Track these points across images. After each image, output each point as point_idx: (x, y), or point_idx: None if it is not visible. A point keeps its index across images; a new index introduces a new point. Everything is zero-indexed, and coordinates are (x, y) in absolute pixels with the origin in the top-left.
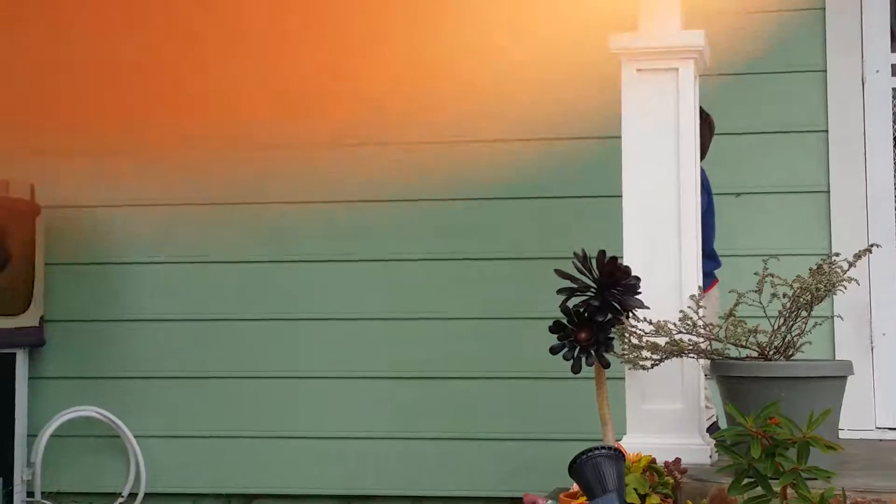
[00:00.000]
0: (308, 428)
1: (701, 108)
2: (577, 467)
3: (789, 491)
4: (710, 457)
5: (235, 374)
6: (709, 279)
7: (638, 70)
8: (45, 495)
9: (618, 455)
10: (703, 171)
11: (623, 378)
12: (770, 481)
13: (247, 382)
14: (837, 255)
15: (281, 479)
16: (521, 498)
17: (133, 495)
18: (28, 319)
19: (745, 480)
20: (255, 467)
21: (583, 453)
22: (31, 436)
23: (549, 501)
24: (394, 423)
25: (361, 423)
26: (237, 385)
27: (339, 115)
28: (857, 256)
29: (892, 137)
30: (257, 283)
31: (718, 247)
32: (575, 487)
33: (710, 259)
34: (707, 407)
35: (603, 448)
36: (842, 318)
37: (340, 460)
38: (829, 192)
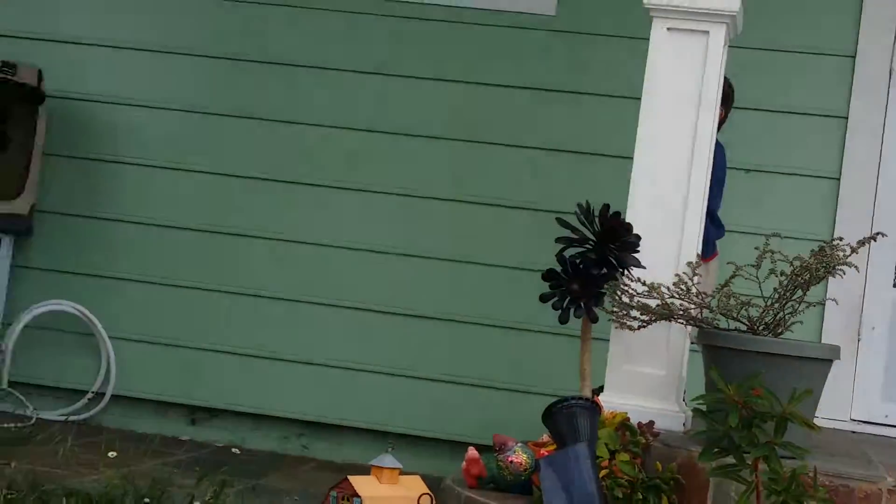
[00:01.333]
0: (280, 350)
1: (726, 77)
2: (552, 415)
3: (761, 464)
4: (684, 424)
5: (221, 287)
6: (710, 248)
7: (668, 29)
8: (11, 384)
9: (593, 408)
10: (717, 139)
11: (606, 339)
12: (744, 454)
13: (231, 297)
14: (840, 239)
15: (247, 397)
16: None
17: (100, 395)
18: (19, 206)
19: (717, 448)
20: (223, 383)
21: (559, 402)
22: (7, 324)
23: (519, 444)
24: (371, 356)
25: (334, 351)
26: (219, 299)
27: None
28: (861, 243)
29: None
30: (263, 200)
31: (723, 221)
32: (544, 438)
33: (715, 226)
34: None
35: (580, 399)
36: (836, 303)
37: (307, 386)
38: (839, 179)
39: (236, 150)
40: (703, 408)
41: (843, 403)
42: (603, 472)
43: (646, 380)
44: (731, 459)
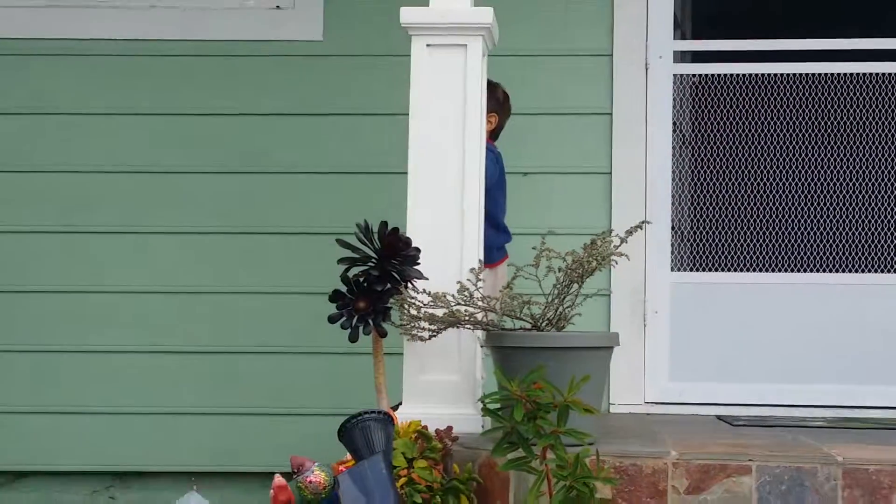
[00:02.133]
0: (77, 403)
1: (499, 86)
2: (346, 431)
3: (548, 453)
4: (483, 426)
5: (7, 347)
6: (500, 253)
7: (428, 45)
8: None
9: (387, 419)
10: (495, 146)
11: (401, 353)
12: (532, 445)
13: (11, 355)
14: (611, 231)
15: (49, 455)
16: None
17: None
18: None
19: (507, 443)
20: (22, 443)
21: (352, 417)
22: None
23: (317, 464)
24: (168, 398)
25: (136, 397)
26: (8, 358)
27: None
28: (629, 232)
29: (671, 122)
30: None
31: (508, 226)
32: (347, 457)
33: (502, 232)
34: None
35: (372, 412)
36: (611, 292)
37: (111, 436)
38: (611, 173)
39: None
40: (493, 406)
41: (637, 387)
42: (402, 481)
43: (442, 387)
44: (521, 452)
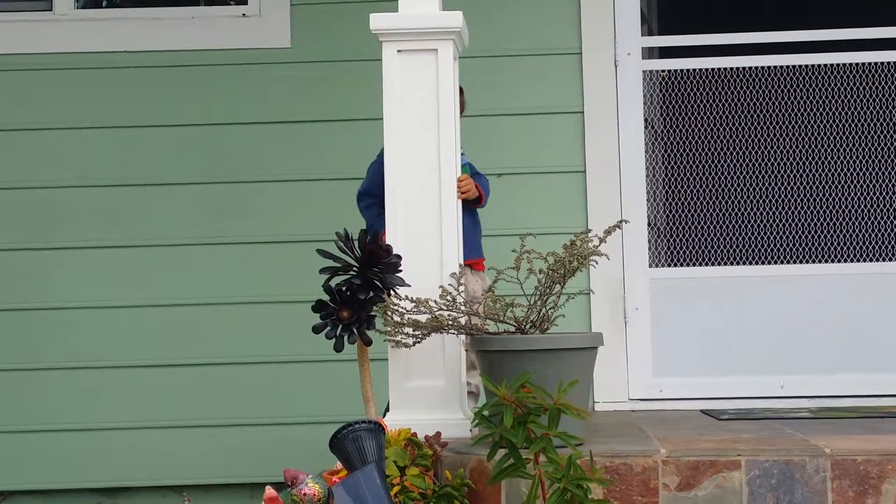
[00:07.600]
0: (64, 420)
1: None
2: (337, 442)
3: (541, 457)
4: (471, 430)
5: None
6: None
7: (399, 51)
8: None
9: (378, 429)
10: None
11: (386, 358)
12: (523, 449)
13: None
14: (590, 230)
15: (38, 474)
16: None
17: None
18: None
19: (499, 448)
20: (8, 462)
21: (343, 428)
22: None
23: (310, 476)
24: (154, 411)
25: (121, 412)
26: None
27: None
28: (608, 232)
29: (643, 118)
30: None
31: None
32: (338, 466)
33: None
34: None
35: (363, 422)
36: (593, 292)
37: (101, 452)
38: (585, 171)
39: None
40: (485, 413)
41: (621, 384)
42: (395, 489)
43: (428, 393)
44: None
